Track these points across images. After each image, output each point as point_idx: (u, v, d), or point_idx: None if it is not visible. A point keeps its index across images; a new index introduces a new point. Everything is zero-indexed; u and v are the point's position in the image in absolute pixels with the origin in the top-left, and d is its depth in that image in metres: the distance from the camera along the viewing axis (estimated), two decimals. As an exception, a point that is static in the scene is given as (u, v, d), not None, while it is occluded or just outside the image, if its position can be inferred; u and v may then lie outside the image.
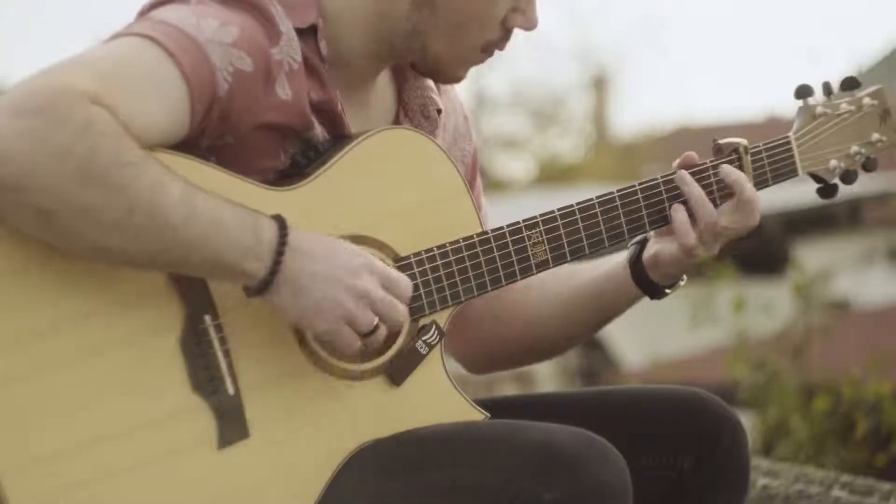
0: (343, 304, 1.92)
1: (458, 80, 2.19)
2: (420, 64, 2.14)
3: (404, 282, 1.98)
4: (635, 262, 2.27)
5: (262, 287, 1.90)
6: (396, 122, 2.21)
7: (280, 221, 1.91)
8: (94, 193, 1.79)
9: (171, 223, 1.83)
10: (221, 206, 1.87)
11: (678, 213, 2.21)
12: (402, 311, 1.97)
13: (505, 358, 2.40)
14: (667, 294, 2.28)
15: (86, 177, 1.78)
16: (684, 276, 2.29)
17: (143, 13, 1.99)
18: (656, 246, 2.25)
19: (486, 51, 2.13)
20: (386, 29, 2.09)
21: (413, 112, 2.23)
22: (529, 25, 2.12)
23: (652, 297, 2.29)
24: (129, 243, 1.82)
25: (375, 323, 1.94)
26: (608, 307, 2.31)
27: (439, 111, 2.25)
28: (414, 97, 2.22)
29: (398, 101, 2.23)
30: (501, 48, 2.15)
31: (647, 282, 2.27)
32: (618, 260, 2.29)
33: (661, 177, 2.23)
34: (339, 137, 2.08)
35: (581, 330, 2.34)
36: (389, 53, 2.13)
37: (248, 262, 1.88)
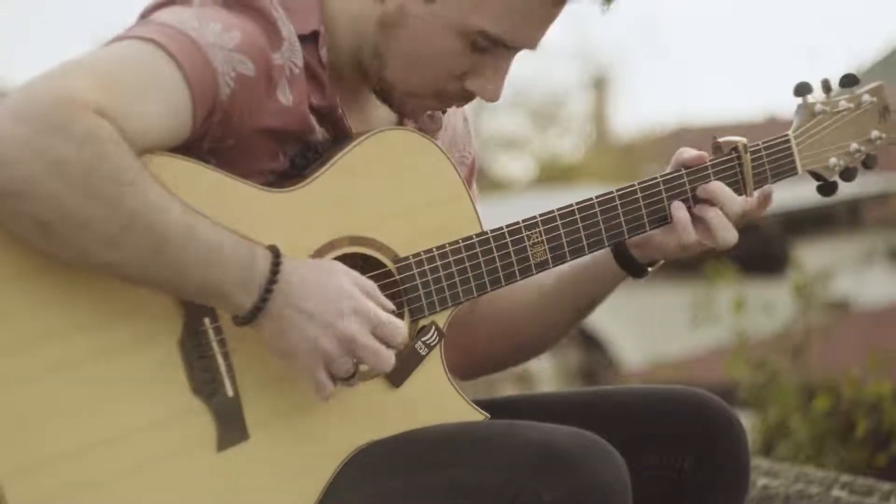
0: (323, 348, 1.90)
1: (405, 114, 2.15)
2: (375, 85, 2.11)
3: (396, 326, 1.93)
4: (617, 244, 2.25)
5: (249, 318, 1.89)
6: (400, 123, 2.20)
7: (274, 254, 1.89)
8: (93, 206, 1.77)
9: (168, 243, 1.82)
10: (219, 232, 1.86)
11: (679, 212, 2.21)
12: (385, 358, 1.93)
13: (490, 359, 2.38)
14: (648, 272, 2.29)
15: (85, 189, 1.76)
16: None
17: (145, 15, 1.98)
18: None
19: (440, 98, 2.10)
20: (358, 42, 2.07)
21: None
22: (487, 96, 2.06)
23: (634, 277, 2.29)
24: (125, 259, 1.81)
25: (353, 371, 1.93)
26: (590, 292, 2.31)
27: (443, 111, 2.24)
28: None
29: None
30: (459, 105, 2.14)
31: (630, 261, 2.27)
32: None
33: (661, 176, 2.23)
34: (339, 138, 2.08)
35: (563, 319, 2.34)
36: (365, 67, 2.09)
37: (237, 293, 1.87)
